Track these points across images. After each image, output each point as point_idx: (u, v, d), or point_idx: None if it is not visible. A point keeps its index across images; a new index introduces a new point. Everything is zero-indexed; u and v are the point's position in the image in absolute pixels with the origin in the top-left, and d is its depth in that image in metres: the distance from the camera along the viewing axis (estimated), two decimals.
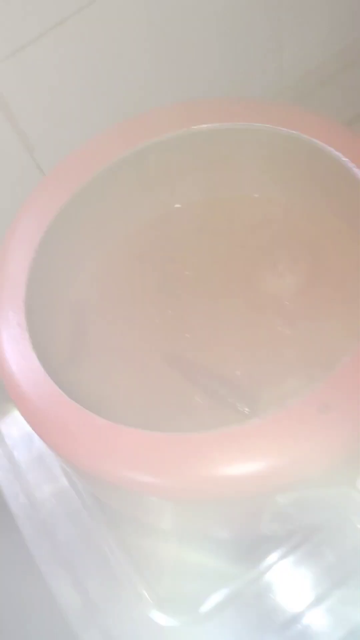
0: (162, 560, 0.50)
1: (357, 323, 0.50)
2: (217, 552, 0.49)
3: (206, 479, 0.34)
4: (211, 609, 0.48)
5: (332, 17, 0.63)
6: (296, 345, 0.48)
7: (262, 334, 0.49)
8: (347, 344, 0.49)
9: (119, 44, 0.52)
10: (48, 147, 0.55)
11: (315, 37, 0.64)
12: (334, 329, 0.49)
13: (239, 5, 0.56)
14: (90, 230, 0.51)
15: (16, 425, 0.58)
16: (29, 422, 0.40)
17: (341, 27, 0.65)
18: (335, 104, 0.68)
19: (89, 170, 0.47)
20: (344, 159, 0.45)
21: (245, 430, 0.34)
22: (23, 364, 0.41)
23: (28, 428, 0.40)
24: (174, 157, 0.50)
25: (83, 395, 0.45)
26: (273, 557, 0.48)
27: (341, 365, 0.35)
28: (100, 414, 0.43)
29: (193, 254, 0.53)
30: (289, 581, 0.47)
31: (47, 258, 0.46)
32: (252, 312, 0.50)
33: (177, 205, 0.55)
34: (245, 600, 0.47)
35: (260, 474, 0.33)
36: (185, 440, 0.35)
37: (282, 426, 0.34)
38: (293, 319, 0.49)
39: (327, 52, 0.66)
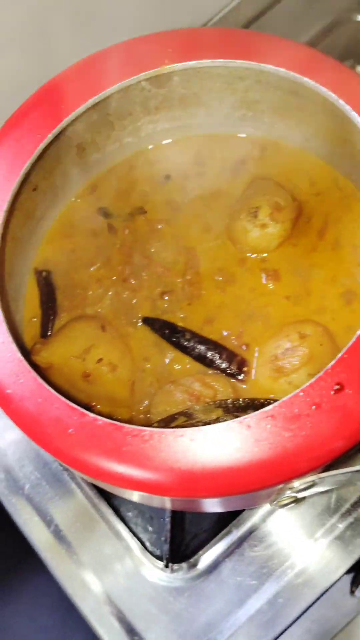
0: None
1: (343, 270, 0.47)
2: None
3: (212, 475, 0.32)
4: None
5: None
6: (283, 300, 0.46)
7: (247, 290, 0.46)
8: (334, 295, 0.47)
9: None
10: None
11: None
12: (319, 279, 0.46)
13: None
14: (50, 182, 0.46)
15: None
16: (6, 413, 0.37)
17: None
18: None
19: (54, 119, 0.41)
20: (326, 90, 0.41)
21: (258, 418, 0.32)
22: None
23: None
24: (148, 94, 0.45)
25: (62, 374, 0.42)
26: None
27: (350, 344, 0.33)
28: (81, 395, 0.40)
29: (165, 203, 0.48)
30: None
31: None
32: (234, 266, 0.47)
33: (148, 147, 0.50)
34: None
35: (274, 462, 0.32)
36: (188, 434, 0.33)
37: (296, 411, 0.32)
38: (277, 271, 0.46)
39: None
